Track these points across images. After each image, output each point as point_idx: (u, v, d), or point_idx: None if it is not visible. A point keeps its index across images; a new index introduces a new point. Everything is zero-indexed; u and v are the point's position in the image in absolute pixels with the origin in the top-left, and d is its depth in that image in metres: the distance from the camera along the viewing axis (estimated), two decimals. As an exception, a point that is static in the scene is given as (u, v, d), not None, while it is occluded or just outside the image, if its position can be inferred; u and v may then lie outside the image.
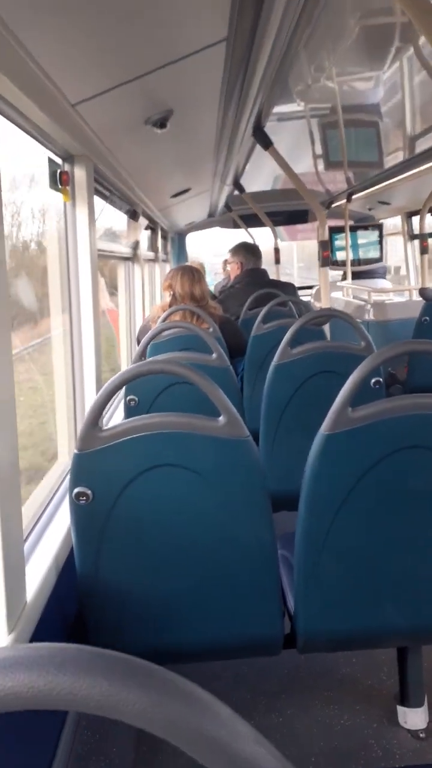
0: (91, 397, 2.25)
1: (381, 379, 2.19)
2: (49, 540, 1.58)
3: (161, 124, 2.12)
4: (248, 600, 1.38)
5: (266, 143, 3.09)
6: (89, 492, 1.33)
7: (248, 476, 1.34)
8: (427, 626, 1.44)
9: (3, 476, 1.13)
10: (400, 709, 1.72)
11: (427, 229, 5.26)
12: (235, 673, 1.94)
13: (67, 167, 2.02)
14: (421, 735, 1.67)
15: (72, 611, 1.51)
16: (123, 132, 2.16)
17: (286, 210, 6.45)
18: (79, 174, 2.05)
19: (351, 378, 1.29)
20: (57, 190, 1.96)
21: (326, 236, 3.60)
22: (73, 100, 1.63)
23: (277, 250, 6.43)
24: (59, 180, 1.95)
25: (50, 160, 1.91)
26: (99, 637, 1.40)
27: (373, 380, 2.17)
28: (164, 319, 2.65)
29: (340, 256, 6.31)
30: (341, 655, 1.98)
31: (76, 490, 1.33)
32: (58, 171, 1.97)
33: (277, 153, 3.19)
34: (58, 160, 1.98)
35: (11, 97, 1.40)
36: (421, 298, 4.58)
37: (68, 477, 2.05)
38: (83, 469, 1.33)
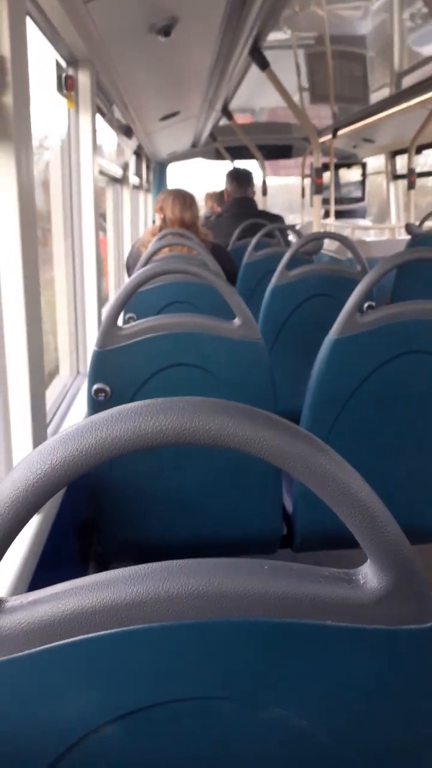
0: (92, 313, 2.27)
1: (373, 303, 2.26)
2: None
3: (165, 31, 2.08)
4: (252, 497, 1.46)
5: (263, 64, 3.03)
6: (108, 389, 1.38)
7: (259, 377, 1.41)
8: (421, 527, 1.53)
9: (32, 367, 1.18)
10: None
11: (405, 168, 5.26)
12: None
13: (71, 72, 2.00)
14: None
15: (81, 514, 1.58)
16: (127, 37, 2.11)
17: (271, 144, 6.35)
18: (83, 80, 2.03)
19: (363, 281, 1.35)
20: (62, 95, 1.95)
21: (320, 163, 3.59)
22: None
23: (264, 182, 6.36)
24: (64, 84, 1.94)
25: (57, 64, 1.90)
26: (107, 535, 1.46)
27: (366, 304, 2.24)
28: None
29: (324, 194, 6.28)
30: (329, 564, 2.10)
31: (95, 387, 1.38)
32: (64, 75, 1.95)
33: (274, 75, 3.14)
34: (63, 64, 1.96)
35: None
36: (402, 237, 4.63)
37: (68, 393, 2.10)
38: (102, 366, 1.38)
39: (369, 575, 0.46)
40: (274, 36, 2.99)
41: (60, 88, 1.95)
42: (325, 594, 0.46)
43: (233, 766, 0.51)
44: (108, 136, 3.36)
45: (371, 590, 0.46)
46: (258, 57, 3.01)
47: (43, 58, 1.84)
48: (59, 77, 1.96)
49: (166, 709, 0.48)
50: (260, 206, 4.80)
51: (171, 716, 0.48)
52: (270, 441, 0.43)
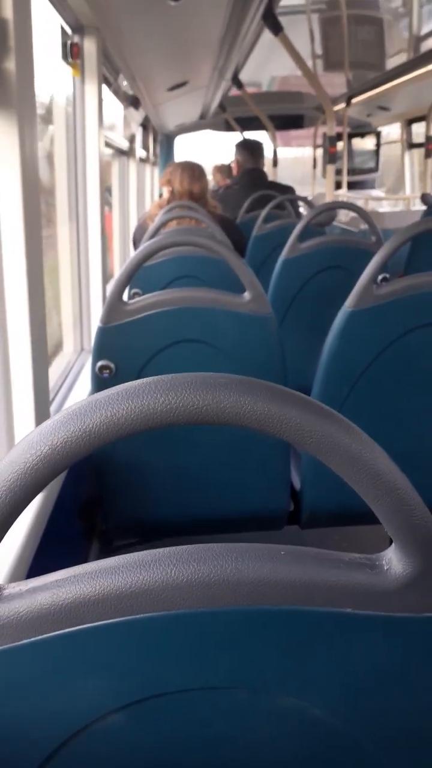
0: (97, 289, 2.24)
1: (387, 276, 2.21)
2: None
3: (175, -6, 2.01)
4: (259, 473, 1.44)
5: (277, 29, 2.93)
6: (112, 366, 1.36)
7: (269, 353, 1.38)
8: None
9: (35, 346, 1.15)
10: None
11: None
12: None
13: (76, 39, 1.94)
14: None
15: (83, 491, 1.57)
16: (135, 1, 2.04)
17: (282, 114, 6.21)
18: (89, 47, 1.97)
19: (380, 252, 1.30)
20: (68, 63, 1.90)
21: (333, 131, 3.50)
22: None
23: (275, 152, 6.23)
24: (70, 52, 1.88)
25: (62, 31, 1.85)
26: (112, 513, 1.45)
27: (380, 277, 2.19)
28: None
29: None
30: (336, 543, 2.08)
31: (99, 364, 1.35)
32: (69, 43, 1.90)
33: (288, 40, 3.04)
34: (69, 31, 1.91)
35: None
36: (416, 208, 4.53)
37: (72, 370, 2.08)
38: (107, 342, 1.35)
39: (393, 561, 0.44)
40: (286, 0, 2.89)
41: (65, 56, 1.91)
42: (346, 581, 0.44)
43: (242, 756, 0.50)
44: (114, 107, 3.29)
45: (396, 576, 0.44)
46: (271, 21, 2.91)
47: (47, 24, 1.79)
48: (64, 45, 1.92)
49: (172, 698, 0.46)
50: (270, 178, 4.71)
51: (178, 706, 0.47)
52: (291, 420, 0.40)
